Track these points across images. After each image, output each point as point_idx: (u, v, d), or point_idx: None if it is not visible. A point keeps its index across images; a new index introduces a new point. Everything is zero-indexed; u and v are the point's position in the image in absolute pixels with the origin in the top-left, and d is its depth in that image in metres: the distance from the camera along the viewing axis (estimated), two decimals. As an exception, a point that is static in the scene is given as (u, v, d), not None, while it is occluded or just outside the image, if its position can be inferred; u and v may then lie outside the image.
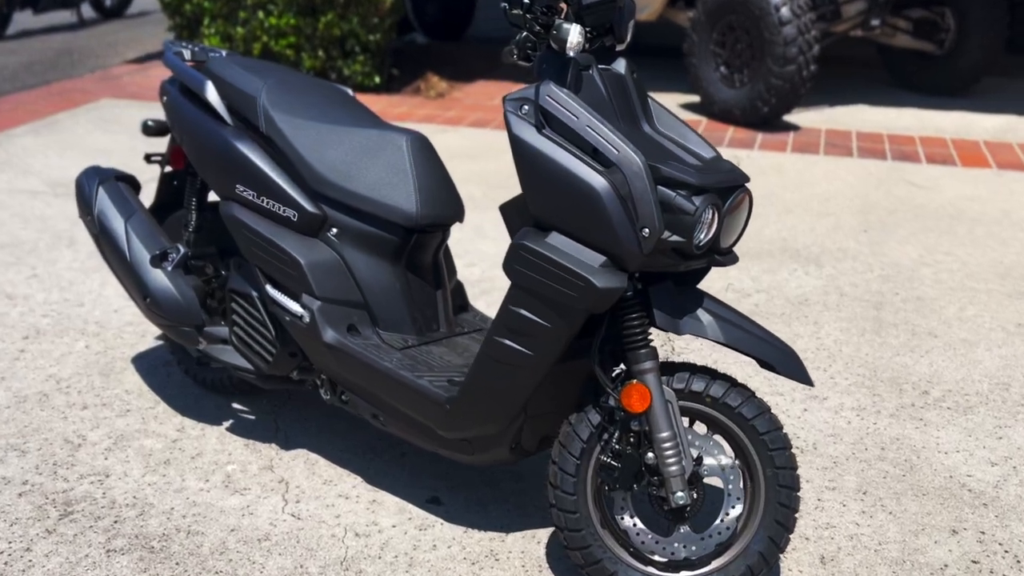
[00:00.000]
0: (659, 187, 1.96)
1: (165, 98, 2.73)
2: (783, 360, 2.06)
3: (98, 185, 2.73)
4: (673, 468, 2.04)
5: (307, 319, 2.37)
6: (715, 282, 3.91)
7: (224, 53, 2.80)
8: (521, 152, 2.01)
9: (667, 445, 2.04)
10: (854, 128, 6.32)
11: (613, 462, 2.09)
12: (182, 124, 2.62)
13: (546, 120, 2.00)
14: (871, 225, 4.58)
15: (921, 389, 3.14)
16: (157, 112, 6.28)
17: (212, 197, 2.83)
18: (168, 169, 2.89)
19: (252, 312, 2.54)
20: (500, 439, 2.20)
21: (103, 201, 2.70)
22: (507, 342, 2.07)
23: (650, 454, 2.07)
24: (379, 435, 2.80)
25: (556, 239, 2.00)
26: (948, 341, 3.46)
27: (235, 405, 2.95)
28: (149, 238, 2.65)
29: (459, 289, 2.67)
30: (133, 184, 2.85)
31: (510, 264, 2.02)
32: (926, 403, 3.06)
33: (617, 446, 2.08)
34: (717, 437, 2.16)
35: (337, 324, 2.37)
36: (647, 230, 1.94)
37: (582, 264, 1.96)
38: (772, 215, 4.69)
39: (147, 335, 3.35)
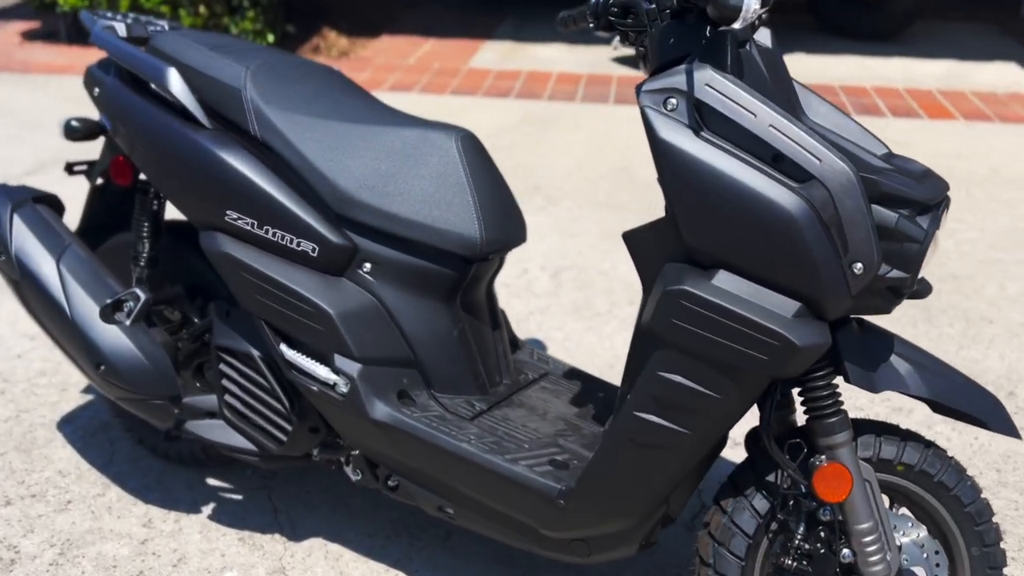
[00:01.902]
0: (874, 206, 1.43)
1: (97, 90, 2.01)
2: (994, 413, 1.59)
3: (11, 212, 2.00)
4: (878, 568, 1.55)
5: (344, 389, 1.74)
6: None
7: (166, 25, 2.09)
8: (673, 163, 1.44)
9: (869, 539, 1.55)
10: (801, 79, 5.94)
11: (801, 566, 1.58)
12: (131, 127, 1.91)
13: (703, 118, 1.44)
14: (866, 191, 4.20)
15: (1007, 390, 2.76)
16: (43, 92, 5.33)
17: (170, 215, 2.14)
18: (99, 181, 2.17)
19: (255, 378, 1.89)
20: (630, 536, 1.66)
21: (21, 234, 1.97)
22: (653, 419, 1.51)
23: (846, 551, 1.57)
24: (409, 508, 2.20)
25: (727, 280, 1.45)
26: (1007, 327, 3.10)
27: (211, 481, 2.29)
28: (93, 281, 1.94)
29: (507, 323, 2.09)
30: (55, 206, 2.12)
31: (665, 318, 1.46)
32: (1018, 407, 2.67)
33: (806, 545, 1.57)
34: (904, 510, 1.68)
35: (386, 392, 1.76)
36: (859, 265, 1.41)
37: (771, 315, 1.42)
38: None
39: (69, 387, 2.62)
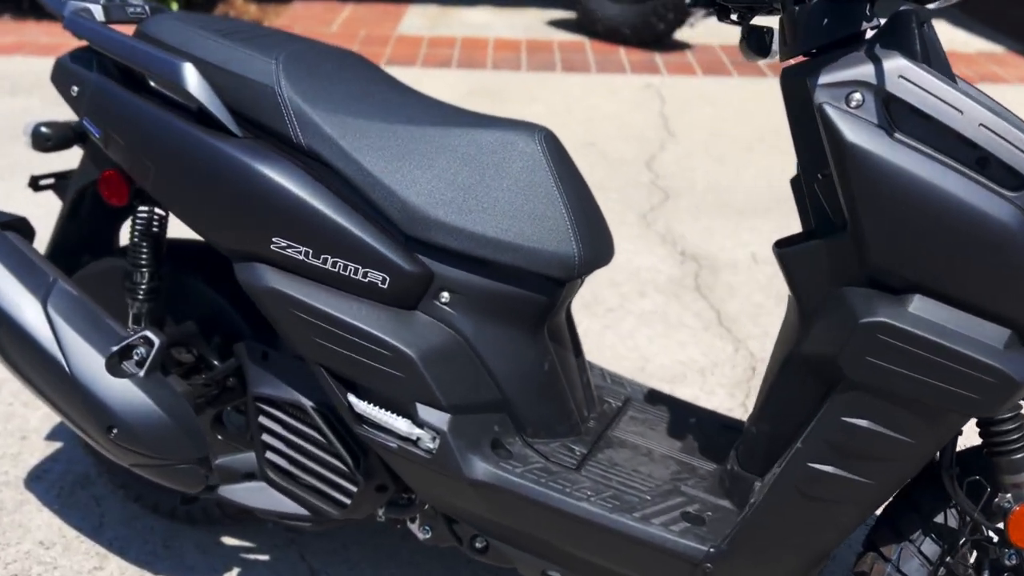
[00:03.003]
0: None
1: (76, 89, 1.63)
2: None
3: (-24, 242, 1.62)
4: (1074, 621, 1.37)
5: (431, 445, 1.45)
6: (736, 252, 3.24)
7: (147, 7, 1.72)
8: (864, 172, 1.20)
9: (1063, 587, 1.37)
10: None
11: None
12: (131, 137, 1.55)
13: (892, 117, 1.21)
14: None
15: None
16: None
17: (174, 231, 1.78)
18: (71, 195, 1.80)
19: (307, 433, 1.58)
20: None
21: (-6, 271, 1.60)
22: (829, 469, 1.29)
23: (1035, 603, 1.39)
24: (467, 559, 1.93)
25: (925, 307, 1.22)
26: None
27: (226, 540, 1.96)
28: (91, 325, 1.58)
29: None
30: (25, 232, 1.74)
31: (858, 356, 1.22)
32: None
33: None
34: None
35: (480, 445, 1.48)
36: None
37: (982, 346, 1.20)
38: (736, 156, 4.07)
39: (29, 434, 2.24)
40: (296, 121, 1.48)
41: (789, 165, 3.97)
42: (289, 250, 1.47)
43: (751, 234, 3.38)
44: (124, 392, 1.56)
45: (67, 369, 1.55)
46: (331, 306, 1.46)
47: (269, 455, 1.61)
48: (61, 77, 1.66)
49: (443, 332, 1.48)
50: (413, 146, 1.47)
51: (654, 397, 1.79)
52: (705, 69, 5.21)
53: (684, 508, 1.46)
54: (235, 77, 1.51)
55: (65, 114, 4.04)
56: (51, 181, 1.83)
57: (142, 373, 1.57)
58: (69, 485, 2.07)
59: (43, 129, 1.68)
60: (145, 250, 1.70)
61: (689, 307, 2.89)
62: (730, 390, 2.48)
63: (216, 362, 1.71)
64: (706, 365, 2.59)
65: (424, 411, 1.46)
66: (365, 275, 1.46)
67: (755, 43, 1.46)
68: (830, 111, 1.20)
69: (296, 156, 1.49)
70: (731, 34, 5.97)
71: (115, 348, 1.57)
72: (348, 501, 1.57)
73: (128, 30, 1.61)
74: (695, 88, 4.90)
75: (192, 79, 1.47)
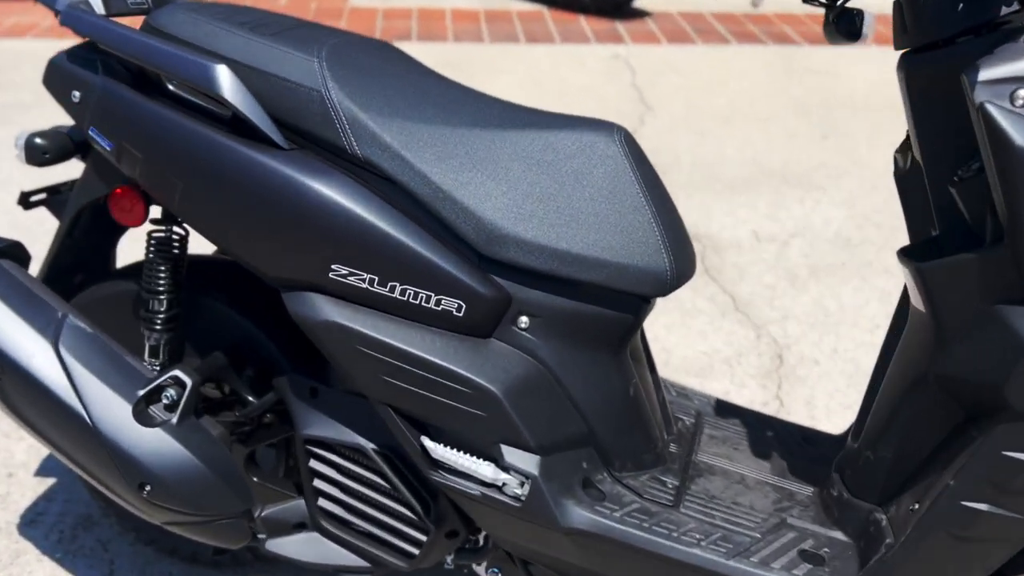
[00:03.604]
0: None
1: (79, 94, 1.41)
2: None
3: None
4: None
5: (519, 491, 1.30)
6: (737, 230, 3.13)
7: None
8: None
9: None
10: (703, 9, 5.68)
11: None
12: (153, 150, 1.34)
13: None
14: (821, 128, 3.98)
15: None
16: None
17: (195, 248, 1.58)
18: (71, 213, 1.58)
19: (369, 478, 1.41)
20: None
21: (-5, 310, 1.38)
22: (987, 508, 1.17)
23: None
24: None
25: None
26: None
27: (254, 581, 1.79)
28: (111, 366, 1.38)
29: None
30: (20, 258, 1.52)
31: None
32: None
33: None
34: None
35: (572, 488, 1.33)
36: None
37: None
38: (716, 128, 3.96)
39: (16, 472, 2.01)
40: (350, 129, 1.30)
41: (771, 137, 3.87)
42: (351, 278, 1.29)
43: (747, 211, 3.28)
44: (156, 443, 1.36)
45: (88, 421, 1.35)
46: (401, 339, 1.29)
47: (323, 503, 1.44)
48: (57, 80, 1.43)
49: (524, 362, 1.32)
50: (483, 153, 1.30)
51: (723, 409, 1.66)
52: (669, 37, 5.08)
53: (799, 545, 1.34)
54: (274, 80, 1.31)
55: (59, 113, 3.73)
56: (43, 196, 1.61)
57: (175, 419, 1.38)
58: (70, 528, 1.87)
59: (37, 141, 1.46)
60: (163, 274, 1.49)
61: (701, 291, 2.77)
62: (761, 381, 2.37)
63: (250, 397, 1.53)
64: (731, 355, 2.48)
65: (510, 453, 1.30)
66: (439, 303, 1.29)
67: (845, 26, 1.32)
68: (994, 111, 1.07)
69: (352, 170, 1.31)
70: (689, 1, 5.85)
71: (142, 392, 1.38)
72: (417, 551, 1.42)
73: (130, 23, 1.40)
74: (662, 57, 4.76)
75: (228, 83, 1.27)
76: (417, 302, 1.29)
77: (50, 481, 1.97)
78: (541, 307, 1.32)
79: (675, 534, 1.31)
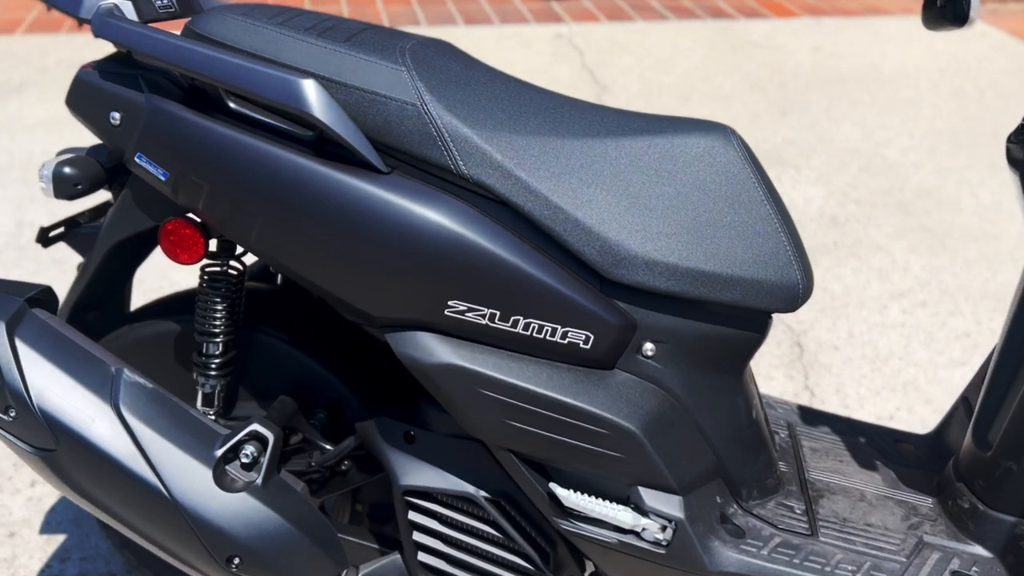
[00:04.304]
0: None
1: (119, 116, 1.22)
2: None
3: (9, 336, 1.19)
4: None
5: (661, 535, 1.19)
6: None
7: None
8: None
9: None
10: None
11: None
12: (224, 177, 1.17)
13: None
14: (779, 104, 3.97)
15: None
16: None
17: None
18: (106, 248, 1.38)
19: (479, 529, 1.28)
20: None
21: (41, 372, 1.18)
22: None
23: None
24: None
25: None
26: (1016, 240, 2.99)
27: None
28: (180, 426, 1.21)
29: None
30: (51, 304, 1.32)
31: None
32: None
33: None
34: None
35: (714, 527, 1.23)
36: None
37: None
38: (678, 107, 3.89)
39: (18, 531, 1.80)
40: (454, 146, 1.15)
41: (734, 116, 3.83)
42: (469, 314, 1.15)
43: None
44: (243, 509, 1.21)
45: (165, 491, 1.18)
46: (526, 379, 1.16)
47: (424, 558, 1.31)
48: (88, 100, 1.24)
49: (655, 393, 1.21)
50: (599, 167, 1.18)
51: (809, 417, 1.59)
52: (608, 15, 4.99)
53: (948, 567, 1.27)
54: (361, 93, 1.16)
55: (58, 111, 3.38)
56: (61, 230, 1.41)
57: (259, 480, 1.22)
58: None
59: (67, 171, 1.26)
60: (220, 313, 1.33)
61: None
62: (786, 372, 2.32)
63: (324, 444, 1.37)
64: (749, 348, 2.42)
65: (649, 495, 1.19)
66: (565, 335, 1.16)
67: (952, 10, 1.25)
68: None
69: (457, 192, 1.16)
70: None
71: (219, 452, 1.21)
72: (532, 600, 1.30)
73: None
74: (606, 36, 4.67)
75: (318, 100, 1.11)
76: (542, 336, 1.16)
77: (59, 539, 1.77)
78: (668, 332, 1.21)
79: (827, 568, 1.22)
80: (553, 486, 1.20)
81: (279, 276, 1.56)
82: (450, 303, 1.14)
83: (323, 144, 1.17)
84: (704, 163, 1.19)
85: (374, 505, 1.49)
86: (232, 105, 1.20)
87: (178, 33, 1.22)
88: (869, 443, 1.54)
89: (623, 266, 1.16)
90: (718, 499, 1.27)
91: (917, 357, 2.38)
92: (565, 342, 1.17)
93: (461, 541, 1.29)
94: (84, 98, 1.24)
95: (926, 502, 1.40)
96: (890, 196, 3.24)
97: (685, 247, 1.17)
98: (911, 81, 4.27)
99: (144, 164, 1.21)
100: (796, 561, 1.22)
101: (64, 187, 1.27)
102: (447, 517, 1.29)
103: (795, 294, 1.21)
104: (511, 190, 1.15)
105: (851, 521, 1.34)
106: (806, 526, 1.30)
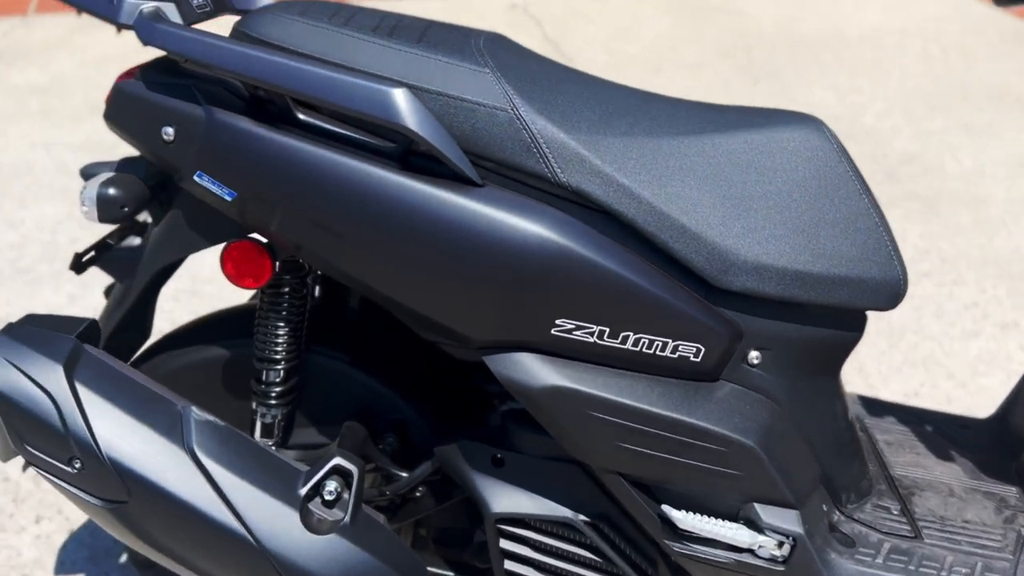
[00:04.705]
0: None
1: (172, 131, 1.08)
2: None
3: (70, 380, 1.08)
4: None
5: (779, 552, 1.14)
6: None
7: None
8: None
9: None
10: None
11: None
12: (303, 196, 1.06)
13: None
14: (749, 71, 3.93)
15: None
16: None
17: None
18: (151, 272, 1.26)
19: (578, 554, 1.21)
20: None
21: (108, 418, 1.06)
22: None
23: None
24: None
25: None
26: (1005, 204, 3.01)
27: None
28: (258, 465, 1.12)
29: None
30: (94, 336, 1.20)
31: None
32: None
33: None
34: None
35: (827, 539, 1.18)
36: None
37: None
38: (650, 79, 3.83)
39: (32, 573, 1.67)
40: (550, 153, 1.07)
41: (708, 85, 3.79)
42: (577, 332, 1.07)
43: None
44: (335, 551, 1.11)
45: (251, 538, 1.09)
46: (638, 398, 1.09)
47: (517, 588, 1.23)
48: (133, 114, 1.11)
49: (764, 404, 1.16)
50: (700, 168, 1.10)
51: (872, 407, 1.55)
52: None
53: None
54: (449, 100, 1.06)
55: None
56: (92, 254, 1.29)
57: (347, 518, 1.13)
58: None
59: (112, 192, 1.14)
60: (283, 338, 1.22)
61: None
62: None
63: (396, 470, 1.29)
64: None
65: (765, 512, 1.14)
66: (675, 350, 1.10)
67: None
68: None
69: (555, 202, 1.08)
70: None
71: (303, 491, 1.12)
72: (633, 625, 1.24)
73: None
74: (562, 4, 4.57)
75: (410, 109, 1.01)
76: (651, 352, 1.09)
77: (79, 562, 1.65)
78: (773, 339, 1.15)
79: (943, 573, 1.19)
80: (666, 508, 1.13)
81: (317, 291, 1.46)
82: (558, 322, 1.06)
83: (408, 156, 1.07)
84: (801, 158, 1.13)
85: (440, 529, 1.41)
86: (301, 116, 1.09)
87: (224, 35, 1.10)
88: (937, 431, 1.51)
89: (732, 272, 1.10)
90: (824, 508, 1.22)
91: (931, 330, 2.37)
92: (676, 356, 1.10)
93: (557, 568, 1.23)
94: (128, 112, 1.12)
95: (1011, 492, 1.38)
96: (876, 163, 3.23)
97: (793, 249, 1.11)
98: (875, 43, 4.27)
99: (206, 184, 1.09)
100: (912, 568, 1.18)
101: (109, 210, 1.14)
102: (541, 543, 1.22)
103: (898, 290, 1.16)
104: (613, 197, 1.07)
105: (949, 519, 1.31)
106: (908, 528, 1.27)
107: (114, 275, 1.30)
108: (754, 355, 1.15)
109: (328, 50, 1.09)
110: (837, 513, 1.24)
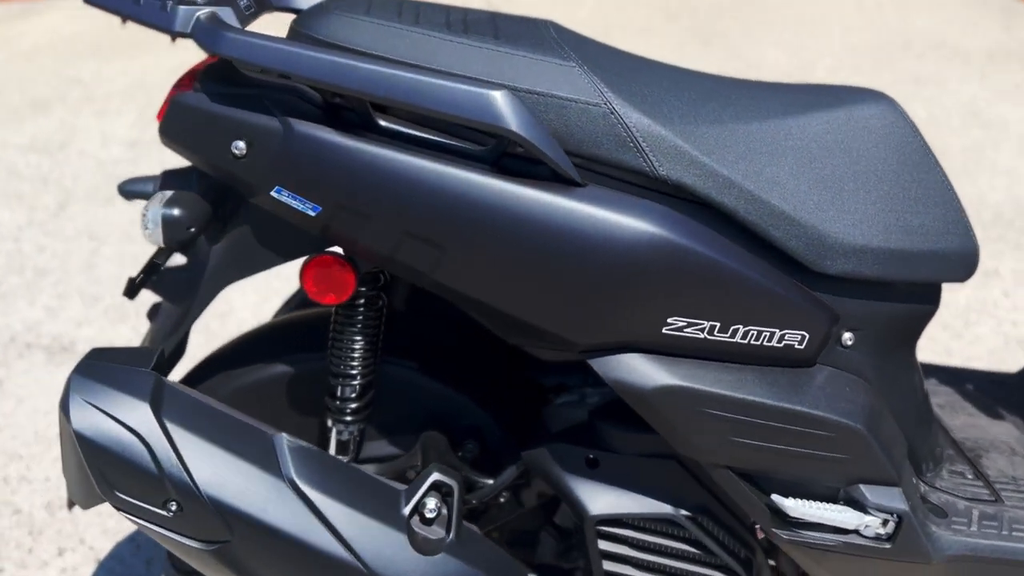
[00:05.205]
0: None
1: (243, 144, 1.02)
2: None
3: (159, 419, 1.01)
4: None
5: (884, 530, 1.14)
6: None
7: None
8: None
9: None
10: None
11: None
12: (396, 207, 1.00)
13: None
14: (698, 34, 3.94)
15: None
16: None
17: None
18: (211, 291, 1.19)
19: (679, 550, 1.20)
20: None
21: (203, 455, 1.01)
22: None
23: None
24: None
25: None
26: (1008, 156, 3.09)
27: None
28: (357, 488, 1.07)
29: None
30: (162, 365, 1.13)
31: None
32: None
33: None
34: None
35: (925, 512, 1.19)
36: None
37: None
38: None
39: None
40: (647, 147, 1.03)
41: (660, 48, 3.78)
42: (688, 329, 1.05)
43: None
44: (447, 571, 1.08)
45: (362, 567, 1.04)
46: (749, 391, 1.08)
47: (617, 584, 1.21)
48: (196, 129, 1.03)
49: (860, 384, 1.16)
50: (786, 151, 1.09)
51: None
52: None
53: None
54: (540, 98, 1.02)
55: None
56: (142, 276, 1.21)
57: (451, 535, 1.10)
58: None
59: (177, 212, 1.06)
60: (360, 352, 1.17)
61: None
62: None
63: (479, 478, 1.25)
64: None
65: (869, 491, 1.14)
66: (781, 339, 1.08)
67: None
68: None
69: (656, 198, 1.05)
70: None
71: (406, 511, 1.08)
72: (732, 613, 1.23)
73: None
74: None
75: (515, 113, 0.97)
76: (759, 343, 1.08)
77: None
78: (865, 319, 1.15)
79: None
80: (776, 498, 1.13)
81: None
82: (669, 320, 1.04)
83: (501, 158, 1.02)
84: (880, 134, 1.13)
85: (512, 531, 1.38)
86: (383, 123, 1.03)
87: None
88: (978, 390, 1.54)
89: (830, 256, 1.09)
90: (914, 480, 1.23)
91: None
92: (781, 345, 1.09)
93: (657, 564, 1.21)
94: (189, 126, 1.04)
95: None
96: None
97: (884, 228, 1.11)
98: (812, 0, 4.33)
99: (285, 199, 1.03)
100: (1004, 532, 1.20)
101: (176, 231, 1.07)
102: (641, 541, 1.20)
103: (974, 260, 1.17)
104: (713, 188, 1.05)
105: (1020, 479, 1.34)
106: (987, 492, 1.29)
107: (167, 297, 1.22)
108: (847, 336, 1.14)
109: (405, 51, 1.03)
110: (924, 485, 1.26)
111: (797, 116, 1.10)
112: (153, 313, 1.27)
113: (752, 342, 1.07)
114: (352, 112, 1.03)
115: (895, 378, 1.20)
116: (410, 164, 1.00)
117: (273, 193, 1.02)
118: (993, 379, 1.56)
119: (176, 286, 1.19)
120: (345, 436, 1.20)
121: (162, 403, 1.02)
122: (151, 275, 1.21)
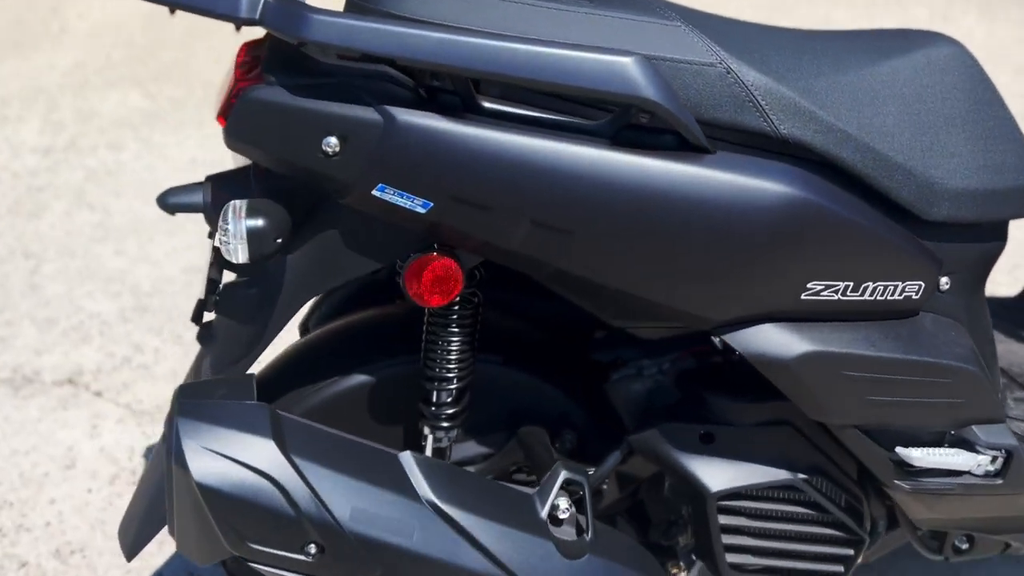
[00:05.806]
0: None
1: (336, 141, 0.91)
2: None
3: (286, 455, 0.91)
4: None
5: (994, 466, 1.15)
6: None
7: None
8: None
9: None
10: None
11: None
12: (513, 195, 0.93)
13: None
14: None
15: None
16: None
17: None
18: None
19: (795, 513, 1.18)
20: None
21: (334, 486, 0.92)
22: None
23: None
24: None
25: None
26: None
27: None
28: (493, 500, 1.00)
29: None
30: (263, 394, 1.03)
31: None
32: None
33: None
34: None
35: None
36: None
37: None
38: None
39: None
40: (767, 106, 0.99)
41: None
42: (824, 292, 1.02)
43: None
44: (595, 571, 1.03)
45: (515, 580, 0.98)
46: (879, 348, 1.06)
47: (734, 558, 1.19)
48: (274, 128, 0.93)
49: (959, 327, 1.16)
50: (888, 100, 1.07)
51: None
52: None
53: None
54: (659, 63, 0.96)
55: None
56: (202, 298, 1.10)
57: (590, 533, 1.05)
58: None
59: (262, 224, 0.96)
60: (458, 354, 1.10)
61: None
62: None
63: (585, 467, 1.20)
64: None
65: (983, 432, 1.15)
66: (903, 291, 1.07)
67: None
68: None
69: (780, 159, 1.01)
70: None
71: (544, 516, 1.02)
72: (843, 568, 1.23)
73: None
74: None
75: (650, 81, 0.90)
76: (884, 298, 1.06)
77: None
78: (959, 262, 1.15)
79: None
80: (900, 451, 1.12)
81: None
82: (808, 285, 1.01)
83: (619, 131, 0.96)
84: (956, 76, 1.13)
85: (605, 516, 1.34)
86: (487, 104, 0.95)
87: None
88: (993, 315, 1.58)
89: (937, 203, 1.08)
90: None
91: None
92: (902, 298, 1.07)
93: (775, 531, 1.19)
94: (266, 125, 0.93)
95: None
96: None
97: (977, 169, 1.11)
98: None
99: (390, 197, 0.94)
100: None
101: (264, 244, 0.96)
102: (759, 510, 1.18)
103: None
104: (832, 143, 1.02)
105: None
106: None
107: (236, 317, 1.11)
108: (944, 281, 1.14)
109: (500, 22, 0.95)
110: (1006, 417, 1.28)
111: (884, 62, 1.09)
112: (206, 335, 1.15)
113: (878, 297, 1.05)
114: (450, 95, 0.95)
115: (978, 316, 1.21)
116: (528, 146, 0.93)
117: (375, 192, 0.93)
118: (1000, 303, 1.59)
119: (245, 304, 1.08)
120: (444, 443, 1.13)
121: (284, 438, 0.92)
122: (211, 295, 1.10)
